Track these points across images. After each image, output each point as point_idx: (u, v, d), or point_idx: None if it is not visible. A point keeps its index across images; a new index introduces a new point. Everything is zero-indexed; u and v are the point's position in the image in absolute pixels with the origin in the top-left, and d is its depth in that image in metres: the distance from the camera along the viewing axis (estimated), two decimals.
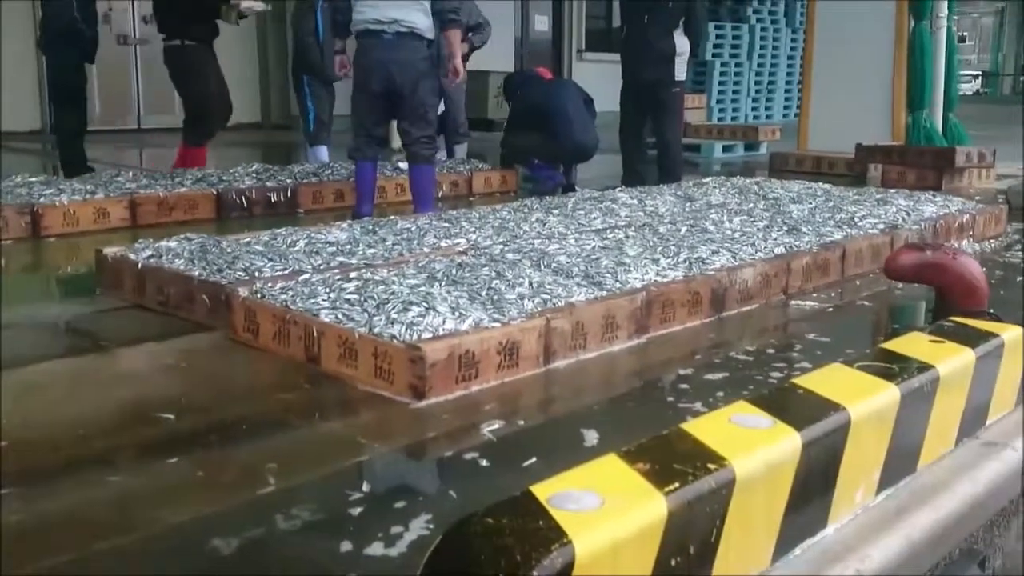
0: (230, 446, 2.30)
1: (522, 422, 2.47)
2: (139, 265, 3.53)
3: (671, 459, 1.60)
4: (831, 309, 3.71)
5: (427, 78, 5.09)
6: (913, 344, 2.26)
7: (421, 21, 4.97)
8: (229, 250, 3.60)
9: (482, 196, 6.87)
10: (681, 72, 6.87)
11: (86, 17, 6.56)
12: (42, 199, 5.00)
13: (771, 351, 3.11)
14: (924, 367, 2.10)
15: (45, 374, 2.77)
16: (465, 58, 7.87)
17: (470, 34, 7.76)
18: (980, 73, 39.45)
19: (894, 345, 2.26)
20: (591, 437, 2.30)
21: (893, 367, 2.09)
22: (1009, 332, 2.43)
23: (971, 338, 2.34)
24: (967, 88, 33.72)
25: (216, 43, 6.77)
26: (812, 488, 1.77)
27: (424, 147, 5.18)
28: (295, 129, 13.30)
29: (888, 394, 1.96)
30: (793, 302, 3.76)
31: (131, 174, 5.98)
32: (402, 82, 5.00)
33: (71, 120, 6.80)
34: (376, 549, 1.72)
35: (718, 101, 15.93)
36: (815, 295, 3.86)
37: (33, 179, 5.47)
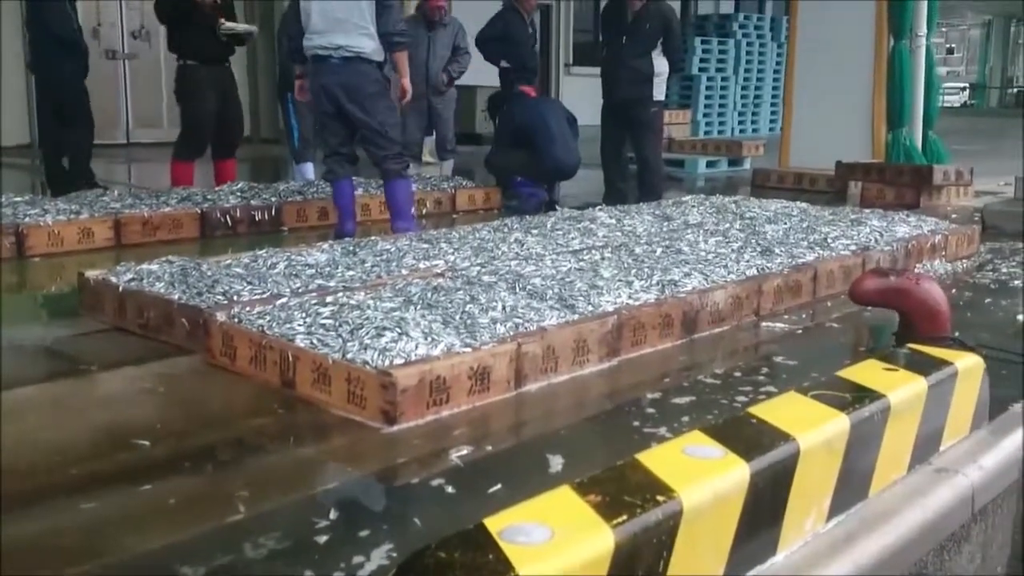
0: (203, 473, 2.35)
1: (490, 447, 2.53)
2: (120, 288, 3.58)
3: (622, 491, 1.66)
4: (800, 331, 3.78)
5: (379, 99, 5.19)
6: (867, 372, 2.33)
7: (367, 45, 5.09)
8: (209, 273, 3.65)
9: (466, 213, 6.94)
10: (660, 92, 6.95)
11: (75, 28, 6.77)
12: (27, 219, 5.05)
13: (739, 374, 3.17)
14: (876, 396, 2.16)
15: (24, 399, 2.81)
16: (450, 82, 7.98)
17: (448, 67, 7.88)
18: (968, 85, 39.77)
19: (849, 373, 2.33)
20: (556, 463, 2.36)
21: (846, 396, 2.16)
22: (964, 360, 2.51)
23: (925, 366, 2.41)
24: (954, 100, 34.01)
25: None
26: (761, 516, 1.83)
27: (393, 162, 5.29)
28: (283, 143, 13.39)
29: (838, 423, 2.03)
30: (764, 324, 3.83)
31: (116, 192, 6.03)
32: (351, 104, 5.13)
33: (83, 135, 7.03)
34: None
35: (704, 115, 16.05)
36: (786, 317, 3.93)
37: (18, 199, 5.50)
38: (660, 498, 1.63)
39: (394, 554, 1.86)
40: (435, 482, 2.25)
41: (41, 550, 1.91)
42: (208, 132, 6.73)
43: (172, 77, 6.98)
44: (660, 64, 6.83)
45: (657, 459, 1.80)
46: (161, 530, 2.02)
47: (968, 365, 2.51)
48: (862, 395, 2.17)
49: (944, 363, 2.45)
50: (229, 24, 6.62)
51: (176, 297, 3.43)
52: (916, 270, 4.56)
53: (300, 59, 5.38)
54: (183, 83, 6.72)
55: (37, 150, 11.03)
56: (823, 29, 8.70)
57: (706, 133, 14.85)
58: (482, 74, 10.87)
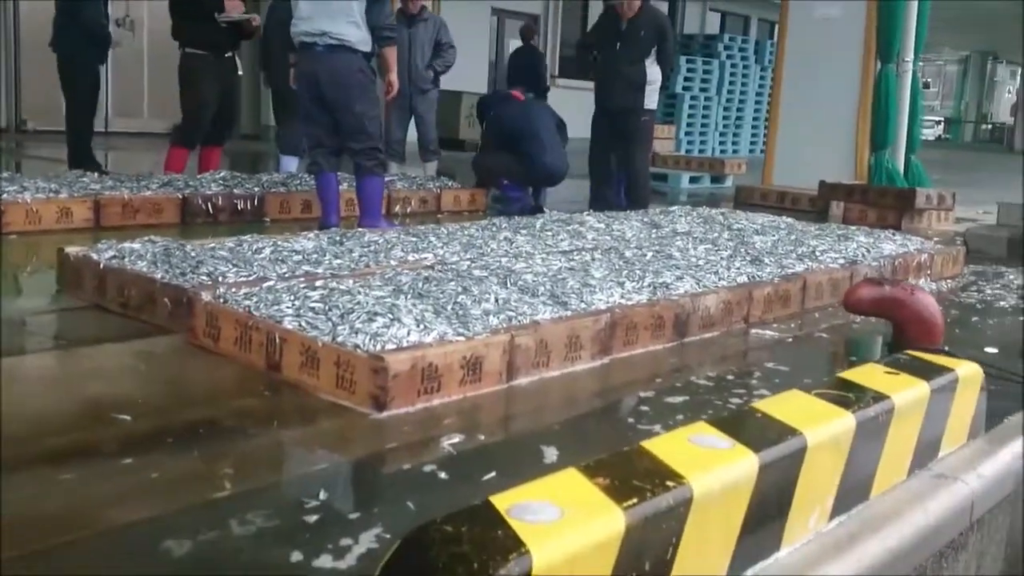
0: (186, 450, 2.27)
1: (483, 437, 2.47)
2: (101, 265, 3.49)
3: (630, 475, 1.61)
4: (790, 339, 3.76)
5: (361, 89, 5.11)
6: (869, 375, 2.30)
7: (353, 34, 5.01)
8: (193, 254, 3.57)
9: (451, 214, 6.88)
10: (652, 101, 6.93)
11: (101, 16, 6.88)
12: (5, 195, 4.93)
13: (731, 377, 3.14)
14: (880, 397, 2.13)
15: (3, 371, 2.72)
16: (436, 77, 7.92)
17: (434, 61, 7.83)
18: (943, 119, 40.29)
19: (851, 375, 2.30)
20: (551, 454, 2.31)
21: (849, 395, 2.12)
22: (963, 367, 2.48)
23: (926, 371, 2.38)
24: (930, 133, 34.45)
25: None
26: (767, 510, 1.79)
27: (367, 158, 5.21)
28: (264, 139, 13.28)
29: (844, 421, 2.00)
30: (753, 330, 3.81)
31: (96, 175, 5.92)
32: (332, 93, 5.07)
33: (86, 120, 7.15)
34: (326, 561, 1.71)
35: (687, 133, 16.09)
36: (775, 325, 3.91)
37: None
38: (670, 483, 1.59)
39: (387, 535, 1.80)
40: (427, 468, 2.19)
41: (23, 519, 1.83)
42: (206, 120, 6.70)
43: (153, 68, 6.98)
44: (653, 72, 6.81)
45: (664, 447, 1.75)
46: (145, 503, 1.94)
47: (968, 373, 2.48)
48: (866, 395, 2.13)
49: (945, 369, 2.43)
50: (225, 15, 6.55)
51: (159, 276, 3.35)
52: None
53: (291, 47, 5.32)
54: (186, 71, 6.68)
55: (16, 132, 10.92)
56: (810, 50, 8.75)
57: (687, 151, 14.90)
58: (466, 79, 10.89)
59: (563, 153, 7.12)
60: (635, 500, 1.51)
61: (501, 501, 1.47)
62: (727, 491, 1.68)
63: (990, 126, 40.33)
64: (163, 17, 6.80)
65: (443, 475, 2.15)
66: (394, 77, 5.27)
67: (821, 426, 1.94)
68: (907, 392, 2.22)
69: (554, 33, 17.14)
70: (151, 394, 2.66)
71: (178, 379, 2.86)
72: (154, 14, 11.42)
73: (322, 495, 2.00)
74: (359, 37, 5.03)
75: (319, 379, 2.67)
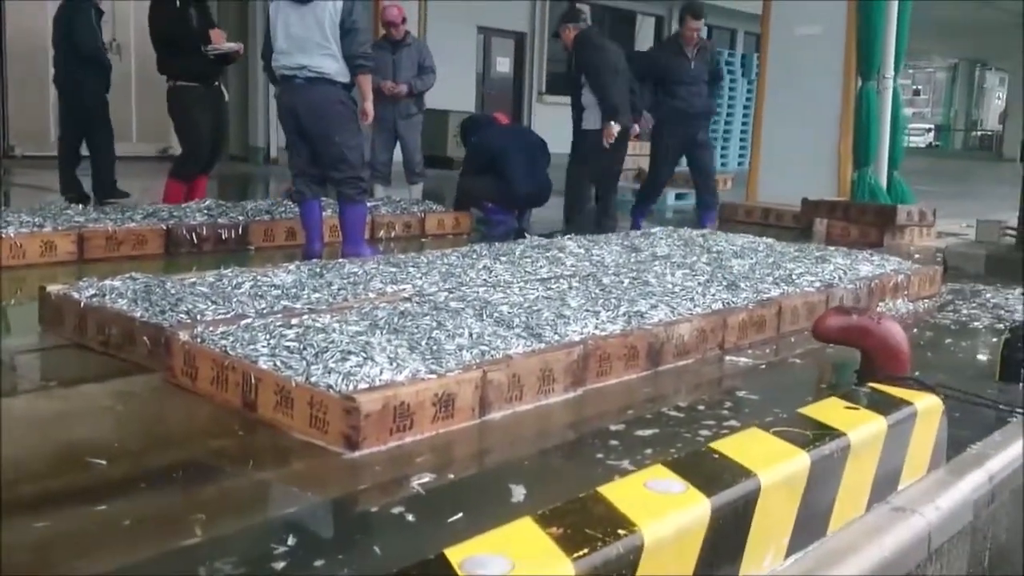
0: (160, 494, 2.31)
1: (452, 475, 2.52)
2: (82, 304, 3.53)
3: (584, 523, 1.66)
4: (764, 366, 3.81)
5: (340, 120, 5.19)
6: (828, 410, 2.35)
7: (330, 66, 5.10)
8: (173, 291, 3.61)
9: (435, 237, 6.94)
10: (590, 123, 6.89)
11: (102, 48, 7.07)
12: None
13: (702, 407, 3.18)
14: (836, 434, 2.18)
15: None
16: (410, 92, 7.97)
17: (413, 77, 7.89)
18: (933, 127, 40.50)
19: (811, 411, 2.35)
20: (518, 493, 2.35)
21: (807, 433, 2.17)
22: (923, 400, 2.54)
23: (885, 406, 2.44)
24: (920, 141, 34.62)
25: None
26: (721, 552, 1.84)
27: (349, 187, 5.30)
28: (251, 161, 13.34)
29: (799, 460, 2.05)
30: (728, 357, 3.86)
31: (80, 207, 5.97)
32: (312, 125, 5.15)
33: (105, 148, 7.35)
34: None
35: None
36: (750, 351, 3.96)
37: None
38: (621, 531, 1.63)
39: None
40: (396, 509, 2.23)
41: None
42: (207, 149, 6.80)
43: (142, 92, 7.05)
44: (587, 98, 6.87)
45: (619, 492, 1.80)
46: (114, 552, 1.98)
47: (927, 406, 2.54)
48: (823, 433, 2.19)
49: (904, 403, 2.48)
50: (215, 44, 6.62)
51: (139, 314, 3.39)
52: (878, 309, 4.62)
53: (274, 79, 5.38)
54: (177, 103, 6.73)
55: (19, 159, 10.95)
56: (792, 67, 8.83)
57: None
58: (454, 98, 10.97)
59: (544, 175, 7.19)
60: (585, 550, 1.56)
61: (455, 554, 1.52)
62: (679, 536, 1.73)
63: (979, 133, 40.52)
64: (150, 41, 6.87)
65: (410, 517, 2.19)
66: (369, 106, 5.33)
67: (776, 466, 1.99)
68: (864, 428, 2.27)
69: (540, 51, 17.24)
70: (128, 435, 2.71)
71: (155, 419, 2.90)
72: (141, 38, 11.43)
73: (291, 540, 2.04)
74: (336, 69, 5.10)
75: (293, 419, 2.72)
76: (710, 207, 7.93)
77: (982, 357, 4.10)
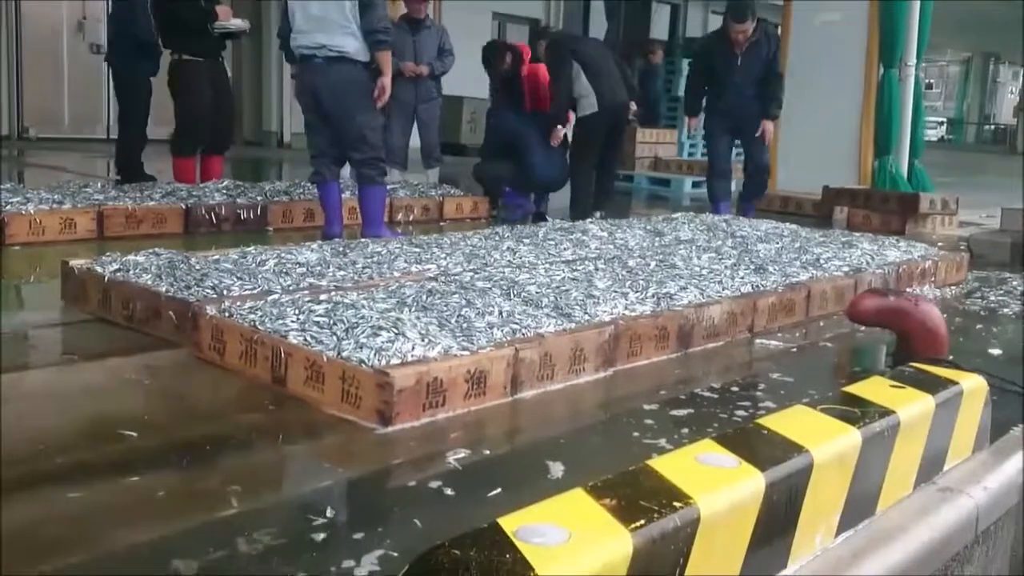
0: (192, 467, 2.28)
1: (488, 452, 2.48)
2: (106, 278, 3.49)
3: (637, 495, 1.61)
4: (795, 349, 3.76)
5: (361, 100, 5.08)
6: (875, 388, 2.30)
7: (350, 45, 4.99)
8: (198, 267, 3.58)
9: (453, 221, 6.89)
10: (581, 110, 6.92)
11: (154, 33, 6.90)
12: (8, 207, 4.94)
13: (736, 389, 3.14)
14: (885, 412, 2.13)
15: (6, 386, 2.72)
16: (430, 73, 7.90)
17: (433, 59, 7.83)
18: (945, 120, 40.29)
19: (856, 389, 2.30)
20: (556, 469, 2.31)
21: (855, 411, 2.12)
22: (968, 380, 2.48)
23: (932, 385, 2.38)
24: (932, 135, 34.43)
25: None
26: (774, 529, 1.79)
27: (369, 168, 5.21)
28: (265, 145, 13.31)
29: (850, 438, 2.00)
30: (758, 340, 3.81)
31: (100, 185, 5.94)
32: (332, 105, 5.07)
33: (139, 130, 7.22)
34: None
35: (689, 137, 16.07)
36: (780, 334, 3.91)
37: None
38: (677, 504, 1.59)
39: (393, 554, 1.80)
40: (433, 484, 2.19)
41: (29, 539, 1.83)
42: (205, 126, 6.73)
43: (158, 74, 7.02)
44: (579, 87, 6.85)
45: (670, 465, 1.75)
46: (151, 522, 1.95)
47: (973, 386, 2.48)
48: (871, 410, 2.13)
49: (950, 383, 2.42)
50: (221, 21, 6.57)
51: (163, 289, 3.36)
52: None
53: (292, 59, 5.32)
54: (178, 78, 6.68)
55: (29, 140, 10.93)
56: (813, 55, 8.75)
57: (690, 155, 14.90)
58: (468, 85, 10.88)
59: (562, 159, 7.13)
60: (642, 522, 1.51)
61: (508, 523, 1.47)
62: (734, 511, 1.68)
63: (992, 127, 40.30)
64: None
65: (449, 491, 2.15)
66: (387, 80, 5.20)
67: (827, 443, 1.94)
68: (912, 406, 2.22)
69: None
70: (157, 409, 2.67)
71: (184, 394, 2.86)
72: None
73: (329, 512, 2.01)
74: (356, 48, 5.01)
75: (324, 393, 2.68)
76: (749, 198, 7.72)
77: (1012, 342, 4.04)
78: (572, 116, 7.24)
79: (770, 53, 7.19)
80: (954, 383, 2.43)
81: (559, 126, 6.95)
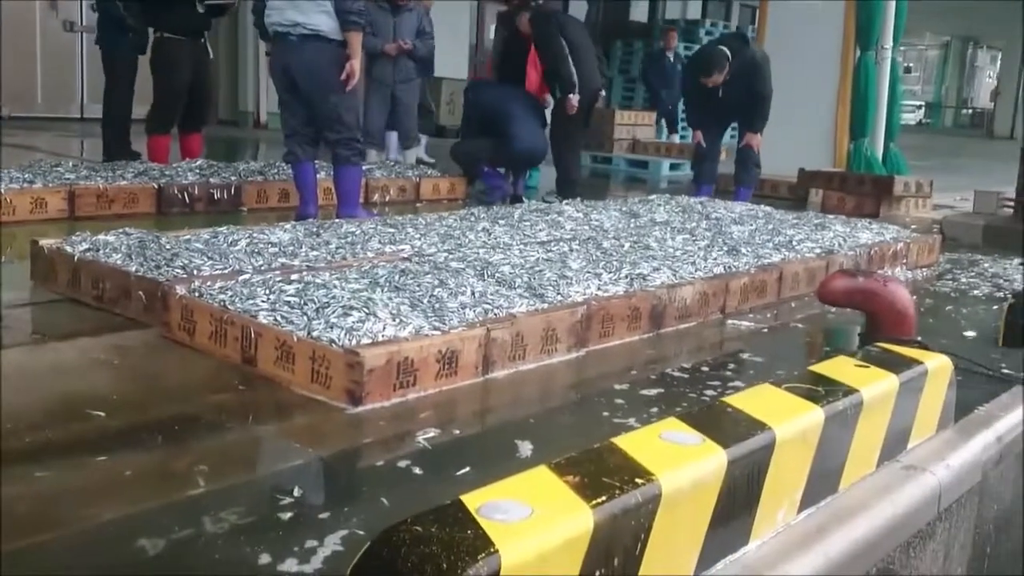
0: (160, 446, 2.27)
1: (458, 431, 2.49)
2: (75, 258, 3.47)
3: (600, 472, 1.62)
4: (766, 330, 3.79)
5: (335, 79, 5.02)
6: (840, 368, 2.32)
7: (325, 23, 4.94)
8: (168, 247, 3.56)
9: (429, 202, 6.88)
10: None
11: (135, 14, 6.72)
12: None
13: (706, 369, 3.16)
14: (849, 391, 2.15)
15: None
16: (418, 70, 7.88)
17: (413, 40, 7.80)
18: (923, 104, 40.48)
19: (821, 368, 2.32)
20: (525, 448, 2.32)
21: (819, 389, 2.14)
22: (933, 360, 2.51)
23: (896, 364, 2.41)
24: (910, 118, 34.62)
25: None
26: (736, 505, 1.81)
27: (344, 148, 5.15)
28: (240, 125, 13.20)
29: (813, 415, 2.02)
30: (730, 321, 3.83)
31: (71, 164, 5.88)
32: (307, 83, 5.02)
33: (124, 109, 7.07)
34: (296, 558, 1.72)
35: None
36: (751, 315, 3.94)
37: None
38: (639, 480, 1.60)
39: (359, 532, 1.81)
40: (402, 463, 2.20)
41: None
42: (180, 104, 6.68)
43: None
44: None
45: (634, 443, 1.76)
46: (119, 501, 1.95)
47: (937, 365, 2.51)
48: (835, 389, 2.16)
49: (914, 362, 2.45)
50: None
51: (133, 269, 3.34)
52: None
53: (266, 36, 5.27)
54: (160, 55, 6.63)
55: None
56: (790, 38, 8.75)
57: (668, 137, 14.95)
58: (447, 65, 10.87)
59: (541, 133, 7.12)
60: (604, 498, 1.53)
61: (472, 500, 1.48)
62: (696, 487, 1.70)
63: (970, 111, 40.54)
64: None
65: (417, 470, 2.16)
66: (356, 63, 5.11)
67: (790, 420, 1.96)
68: (876, 385, 2.24)
69: None
70: (126, 389, 2.66)
71: (153, 373, 2.85)
72: None
73: (296, 492, 2.01)
74: (331, 26, 4.95)
75: (294, 373, 2.68)
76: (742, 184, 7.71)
77: (982, 323, 4.08)
78: (549, 98, 7.25)
79: (752, 83, 7.15)
80: (919, 363, 2.46)
81: (571, 95, 6.89)
